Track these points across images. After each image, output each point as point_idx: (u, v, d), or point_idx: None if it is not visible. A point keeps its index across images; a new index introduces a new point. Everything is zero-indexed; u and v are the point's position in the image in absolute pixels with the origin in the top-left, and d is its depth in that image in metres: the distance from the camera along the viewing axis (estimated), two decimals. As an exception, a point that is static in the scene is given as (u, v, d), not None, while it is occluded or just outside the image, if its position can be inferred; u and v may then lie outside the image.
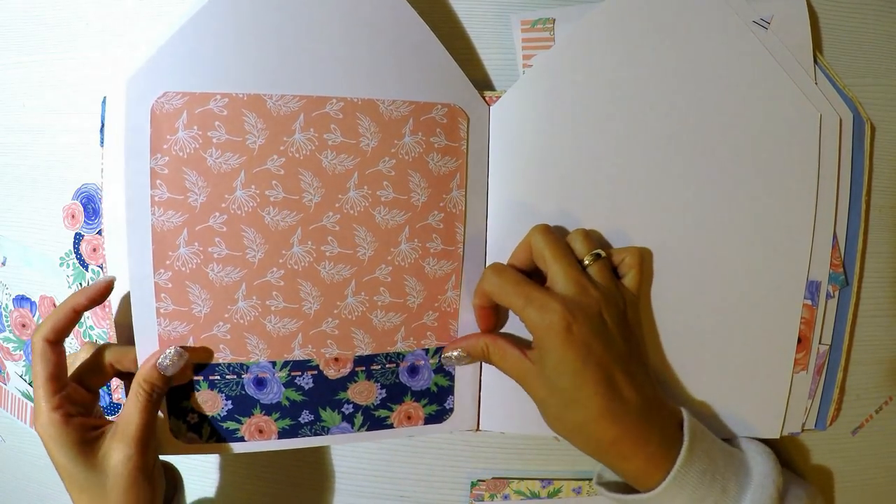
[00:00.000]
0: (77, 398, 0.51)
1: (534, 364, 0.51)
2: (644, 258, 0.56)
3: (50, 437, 0.49)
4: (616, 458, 0.50)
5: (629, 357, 0.51)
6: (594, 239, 0.56)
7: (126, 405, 0.51)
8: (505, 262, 0.55)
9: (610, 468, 0.52)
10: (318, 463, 0.63)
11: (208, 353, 0.54)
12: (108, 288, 0.52)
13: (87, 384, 0.53)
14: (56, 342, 0.50)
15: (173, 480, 0.58)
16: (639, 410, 0.49)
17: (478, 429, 0.60)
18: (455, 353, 0.56)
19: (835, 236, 0.57)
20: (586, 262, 0.53)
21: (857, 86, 0.58)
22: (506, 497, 0.62)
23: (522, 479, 0.62)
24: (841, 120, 0.57)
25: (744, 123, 0.56)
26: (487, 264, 0.57)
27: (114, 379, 0.57)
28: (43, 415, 0.49)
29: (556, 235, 0.53)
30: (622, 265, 0.55)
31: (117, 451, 0.49)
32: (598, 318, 0.50)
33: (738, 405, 0.58)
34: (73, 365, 0.54)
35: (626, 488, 0.53)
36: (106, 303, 0.54)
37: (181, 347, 0.53)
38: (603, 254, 0.53)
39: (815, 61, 0.57)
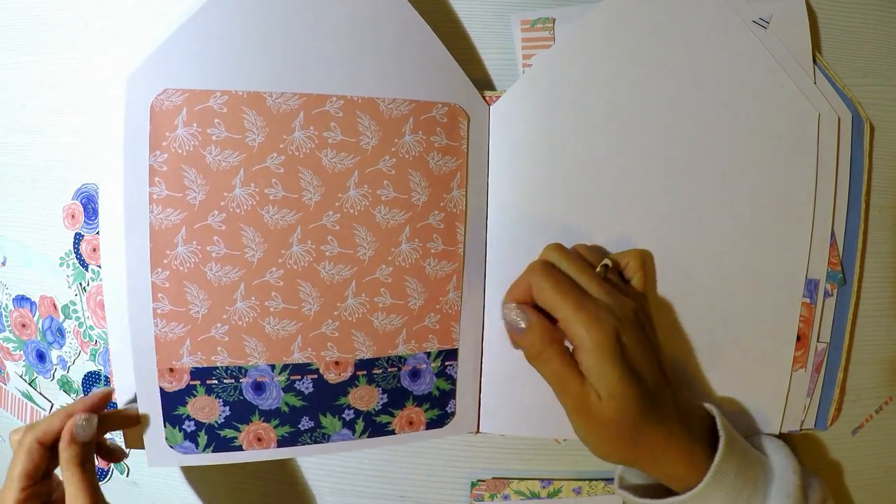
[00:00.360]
0: (40, 489, 0.52)
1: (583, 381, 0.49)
2: (646, 260, 0.56)
3: None
4: (653, 459, 0.49)
5: (662, 359, 0.51)
6: (596, 250, 0.56)
7: (67, 490, 0.50)
8: (504, 262, 0.55)
9: (644, 470, 0.51)
10: (318, 463, 0.63)
11: (124, 419, 0.54)
12: (106, 399, 0.53)
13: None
14: (47, 445, 0.51)
15: None
16: (677, 409, 0.49)
17: (478, 431, 0.60)
18: (517, 315, 0.50)
19: (833, 235, 0.57)
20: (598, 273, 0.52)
21: (856, 85, 0.58)
22: (506, 497, 0.62)
23: (522, 479, 0.62)
24: (840, 119, 0.57)
25: (743, 123, 0.56)
26: (488, 265, 0.57)
27: None
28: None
29: (558, 274, 0.50)
30: (627, 269, 0.55)
31: None
32: (637, 325, 0.49)
33: (737, 403, 0.58)
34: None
35: (652, 492, 0.52)
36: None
37: (88, 413, 0.51)
38: (610, 263, 0.53)
39: (815, 61, 0.57)
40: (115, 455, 0.56)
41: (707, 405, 0.53)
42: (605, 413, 0.47)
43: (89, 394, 0.52)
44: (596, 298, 0.49)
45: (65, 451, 0.50)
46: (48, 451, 0.51)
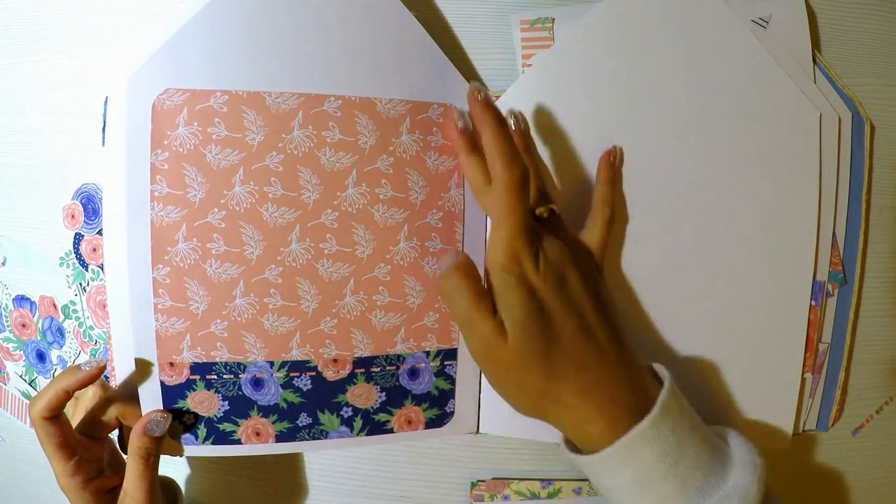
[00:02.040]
0: (89, 456, 0.54)
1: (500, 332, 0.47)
2: (611, 220, 0.55)
3: (72, 499, 0.52)
4: (563, 415, 0.47)
5: (607, 312, 0.49)
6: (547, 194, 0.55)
7: (127, 475, 0.52)
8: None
9: (557, 427, 0.48)
10: (317, 463, 0.63)
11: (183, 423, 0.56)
12: (100, 372, 0.53)
13: (93, 434, 0.55)
14: (54, 417, 0.51)
15: (172, 495, 0.59)
16: (608, 368, 0.47)
17: (478, 432, 0.59)
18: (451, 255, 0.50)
19: (833, 235, 0.57)
20: (539, 214, 0.52)
21: (856, 85, 0.58)
22: (506, 497, 0.61)
23: (522, 479, 0.61)
24: (840, 119, 0.57)
25: (744, 123, 0.56)
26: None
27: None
28: (62, 478, 0.52)
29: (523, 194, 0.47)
30: (590, 217, 0.55)
31: None
32: (572, 266, 0.48)
33: (748, 406, 0.58)
34: (81, 403, 0.57)
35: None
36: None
37: (164, 410, 0.54)
38: (556, 210, 0.53)
39: (815, 61, 0.57)
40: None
41: (657, 367, 0.50)
42: (510, 349, 0.46)
43: (85, 368, 0.52)
44: (530, 225, 0.48)
45: (135, 441, 0.52)
46: (62, 420, 0.52)
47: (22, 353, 0.63)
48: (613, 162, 0.56)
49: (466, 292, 0.47)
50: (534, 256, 0.47)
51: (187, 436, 0.56)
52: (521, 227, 0.46)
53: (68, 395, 0.51)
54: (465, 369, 0.58)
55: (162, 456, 0.54)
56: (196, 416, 0.55)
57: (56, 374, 0.62)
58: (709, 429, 0.49)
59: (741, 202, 0.56)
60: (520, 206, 0.46)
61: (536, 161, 0.56)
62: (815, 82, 0.57)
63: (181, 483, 0.63)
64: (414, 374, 0.57)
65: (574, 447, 0.49)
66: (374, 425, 0.58)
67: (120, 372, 0.55)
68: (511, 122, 0.54)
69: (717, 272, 0.57)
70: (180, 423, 0.55)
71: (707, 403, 0.57)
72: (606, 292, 0.53)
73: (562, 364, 0.46)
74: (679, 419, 0.46)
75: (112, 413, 0.54)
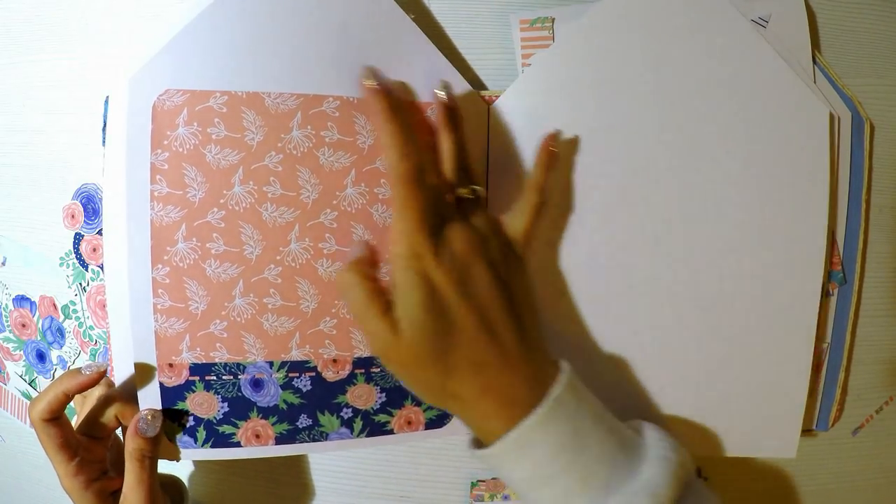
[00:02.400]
0: (91, 457, 0.53)
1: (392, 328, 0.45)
2: (540, 208, 0.53)
3: (75, 500, 0.52)
4: (465, 410, 0.47)
5: (517, 307, 0.47)
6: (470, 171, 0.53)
7: (126, 478, 0.52)
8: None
9: (460, 419, 0.48)
10: (318, 463, 0.63)
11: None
12: (99, 377, 0.53)
13: (94, 434, 0.54)
14: (54, 418, 0.51)
15: (178, 494, 0.59)
16: (510, 365, 0.46)
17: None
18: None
19: (833, 234, 0.57)
20: (460, 195, 0.50)
21: (856, 85, 0.58)
22: (505, 497, 0.61)
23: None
24: (840, 119, 0.57)
25: (748, 121, 0.56)
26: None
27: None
28: (64, 479, 0.51)
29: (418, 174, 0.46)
30: (518, 203, 0.53)
31: None
32: (481, 257, 0.47)
33: (755, 407, 0.58)
34: (88, 401, 0.56)
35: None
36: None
37: (153, 409, 0.54)
38: (483, 193, 0.52)
39: (814, 60, 0.57)
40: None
41: (562, 363, 0.48)
42: (405, 348, 0.45)
43: (85, 372, 0.52)
44: (435, 212, 0.46)
45: (129, 443, 0.52)
46: (62, 422, 0.52)
47: (22, 353, 0.63)
48: (551, 146, 0.54)
49: (359, 289, 0.46)
50: (434, 250, 0.45)
51: (187, 439, 0.55)
52: (419, 221, 0.45)
53: (68, 398, 0.51)
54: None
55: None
56: (192, 415, 0.55)
57: (56, 374, 0.62)
58: (621, 424, 0.48)
59: (748, 201, 0.56)
60: (416, 198, 0.45)
61: (462, 138, 0.53)
62: (815, 82, 0.57)
63: (181, 482, 0.63)
64: None
65: (479, 443, 0.48)
66: (374, 426, 0.57)
67: (119, 373, 0.55)
68: (443, 94, 0.51)
69: (722, 272, 0.57)
70: (178, 424, 0.55)
71: (713, 402, 0.57)
72: (523, 282, 0.51)
73: (460, 362, 0.45)
74: (576, 412, 0.45)
75: (111, 413, 0.54)
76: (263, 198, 0.53)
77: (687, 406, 0.57)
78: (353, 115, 0.53)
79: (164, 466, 0.56)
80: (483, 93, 0.57)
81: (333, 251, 0.54)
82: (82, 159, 0.59)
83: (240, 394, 0.55)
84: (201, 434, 0.55)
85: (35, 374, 0.63)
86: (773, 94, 0.56)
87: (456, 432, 0.59)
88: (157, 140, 0.51)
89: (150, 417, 0.53)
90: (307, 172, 0.53)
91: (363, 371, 0.56)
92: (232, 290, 0.53)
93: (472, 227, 0.49)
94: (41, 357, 0.63)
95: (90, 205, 0.59)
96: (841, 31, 0.58)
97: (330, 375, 0.56)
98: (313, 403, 0.56)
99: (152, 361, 0.54)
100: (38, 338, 0.62)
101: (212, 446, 0.56)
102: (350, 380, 0.56)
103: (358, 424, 0.57)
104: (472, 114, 0.55)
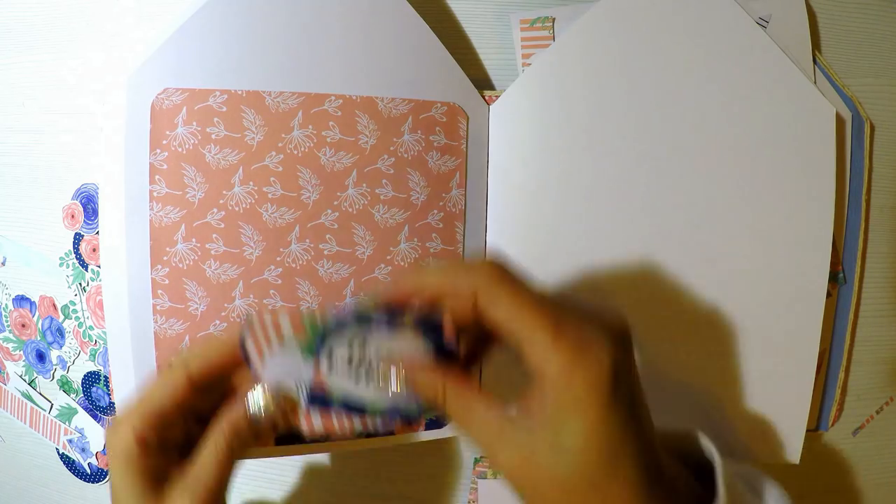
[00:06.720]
0: (170, 436, 0.41)
1: (531, 434, 0.35)
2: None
3: (120, 465, 0.39)
4: None
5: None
6: None
7: (202, 453, 0.40)
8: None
9: None
10: (318, 463, 0.63)
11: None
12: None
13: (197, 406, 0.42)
14: (197, 387, 0.41)
15: None
16: (649, 471, 0.36)
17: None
18: (397, 383, 0.39)
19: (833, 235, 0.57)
20: None
21: (856, 85, 0.58)
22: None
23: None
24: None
25: (751, 121, 0.56)
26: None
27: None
28: (122, 439, 0.39)
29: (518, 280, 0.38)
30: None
31: None
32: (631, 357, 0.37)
33: (758, 412, 0.57)
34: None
35: None
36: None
37: (280, 392, 0.41)
38: None
39: (815, 60, 0.57)
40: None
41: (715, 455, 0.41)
42: (562, 469, 0.34)
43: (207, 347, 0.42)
44: (580, 314, 0.36)
45: (226, 418, 0.41)
46: (197, 394, 0.41)
47: (22, 353, 0.63)
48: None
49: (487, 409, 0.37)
50: None
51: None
52: None
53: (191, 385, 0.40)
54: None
55: None
56: None
57: (56, 374, 0.62)
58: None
59: (751, 202, 0.56)
60: None
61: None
62: (815, 82, 0.57)
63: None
64: None
65: None
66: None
67: (117, 374, 0.55)
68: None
69: (725, 273, 0.56)
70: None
71: (719, 407, 0.57)
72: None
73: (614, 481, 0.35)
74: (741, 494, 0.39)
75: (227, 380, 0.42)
76: (264, 198, 0.53)
77: (688, 411, 0.57)
78: (355, 114, 0.53)
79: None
80: (483, 92, 0.56)
81: (334, 252, 0.54)
82: (82, 159, 0.59)
83: None
84: None
85: (35, 374, 0.63)
86: (779, 94, 0.55)
87: (456, 432, 0.59)
88: (156, 140, 0.51)
89: (268, 402, 0.40)
90: (308, 173, 0.53)
91: (363, 371, 0.56)
92: (232, 291, 0.53)
93: None
94: (41, 357, 0.63)
95: (90, 205, 0.59)
96: (841, 31, 0.58)
97: (330, 376, 0.56)
98: None
99: (151, 362, 0.53)
100: (38, 338, 0.62)
101: None
102: (350, 380, 0.56)
103: None
104: (472, 114, 0.55)
